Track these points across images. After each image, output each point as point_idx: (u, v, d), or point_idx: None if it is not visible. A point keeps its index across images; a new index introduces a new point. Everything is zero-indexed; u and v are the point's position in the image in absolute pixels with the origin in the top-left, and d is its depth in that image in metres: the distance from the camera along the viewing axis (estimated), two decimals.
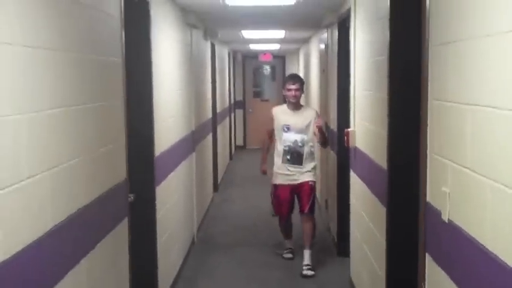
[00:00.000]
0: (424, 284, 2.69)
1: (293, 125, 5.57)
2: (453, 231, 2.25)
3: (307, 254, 5.55)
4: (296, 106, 5.66)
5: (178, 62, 5.56)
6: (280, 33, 9.32)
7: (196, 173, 6.69)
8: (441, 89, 2.42)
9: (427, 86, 2.60)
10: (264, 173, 5.96)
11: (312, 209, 5.60)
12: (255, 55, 14.46)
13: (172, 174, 5.06)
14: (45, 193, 2.22)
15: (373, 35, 3.97)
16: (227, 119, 12.03)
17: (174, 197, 5.22)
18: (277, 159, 5.65)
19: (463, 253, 2.13)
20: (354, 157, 4.80)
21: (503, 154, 1.76)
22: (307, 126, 5.58)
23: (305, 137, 5.56)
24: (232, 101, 13.50)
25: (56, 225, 2.29)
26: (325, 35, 7.18)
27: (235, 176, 11.04)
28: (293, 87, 5.59)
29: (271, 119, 5.74)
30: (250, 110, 15.07)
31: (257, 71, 15.35)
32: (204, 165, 7.58)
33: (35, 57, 2.14)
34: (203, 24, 7.17)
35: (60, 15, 2.40)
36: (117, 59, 3.28)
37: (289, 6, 5.79)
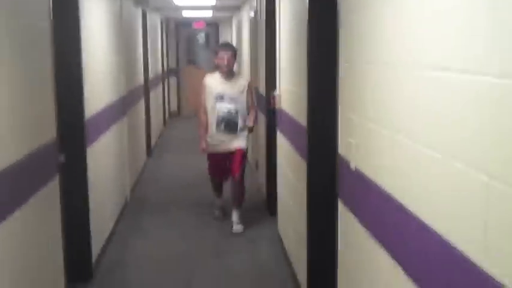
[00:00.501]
0: (337, 227, 2.96)
1: (227, 94, 5.53)
2: (359, 178, 2.50)
3: (235, 212, 5.74)
4: (229, 74, 5.59)
5: (107, 28, 5.62)
6: (211, 0, 9.41)
7: (129, 137, 6.79)
8: (348, 52, 2.65)
9: (338, 49, 2.82)
10: (204, 151, 5.77)
11: (241, 175, 5.70)
12: (188, 22, 14.46)
13: (103, 136, 5.17)
14: None
15: (295, 2, 4.17)
16: (160, 86, 12.08)
17: (105, 158, 5.33)
18: (211, 129, 5.60)
19: (367, 197, 2.39)
20: (280, 118, 5.04)
21: (397, 105, 2.00)
22: (241, 94, 5.56)
23: (239, 105, 5.54)
24: (165, 68, 13.51)
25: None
26: (254, 2, 7.34)
27: (169, 142, 11.16)
28: (225, 55, 5.52)
29: (203, 89, 5.66)
30: (184, 77, 15.11)
31: (191, 39, 15.36)
32: (136, 130, 7.67)
33: None
34: None
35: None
36: (44, 23, 3.36)
37: None
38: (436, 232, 1.63)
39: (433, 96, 1.66)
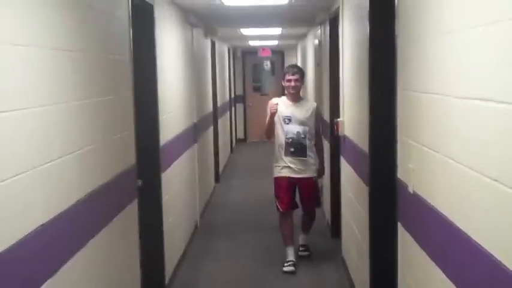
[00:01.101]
0: (397, 249, 3.10)
1: (295, 116, 5.39)
2: (416, 200, 2.65)
3: (302, 236, 5.80)
4: (296, 97, 5.50)
5: (180, 58, 5.97)
6: (277, 30, 9.72)
7: (199, 163, 7.10)
8: (406, 81, 2.83)
9: (397, 78, 3.00)
10: (272, 108, 5.43)
11: (314, 207, 5.71)
12: (254, 51, 14.85)
13: (176, 162, 5.47)
14: (71, 172, 2.62)
15: (357, 32, 4.37)
16: (228, 112, 12.44)
17: (178, 184, 5.63)
18: (279, 153, 5.46)
19: (423, 217, 2.54)
20: (343, 144, 5.21)
21: (451, 133, 2.16)
22: (309, 118, 5.44)
23: (307, 128, 5.40)
24: (232, 95, 13.90)
25: (79, 200, 2.70)
26: (318, 31, 7.58)
27: (236, 168, 11.46)
28: (293, 77, 5.43)
29: (271, 112, 5.44)
30: (250, 104, 15.47)
31: (257, 66, 15.74)
32: (205, 156, 7.99)
33: (59, 58, 2.54)
34: (203, 22, 7.57)
35: (78, 21, 2.80)
36: (125, 57, 3.68)
37: (283, 6, 6.19)
38: (489, 253, 1.76)
39: (474, 122, 1.83)
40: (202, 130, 7.70)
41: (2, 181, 1.94)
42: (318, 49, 7.87)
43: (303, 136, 5.40)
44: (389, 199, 3.34)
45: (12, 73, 2.06)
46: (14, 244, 2.01)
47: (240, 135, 15.40)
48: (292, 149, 5.40)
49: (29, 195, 2.17)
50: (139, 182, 3.98)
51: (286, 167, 5.44)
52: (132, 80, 3.77)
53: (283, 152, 5.43)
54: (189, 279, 5.31)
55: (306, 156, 5.41)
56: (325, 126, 6.74)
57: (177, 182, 5.62)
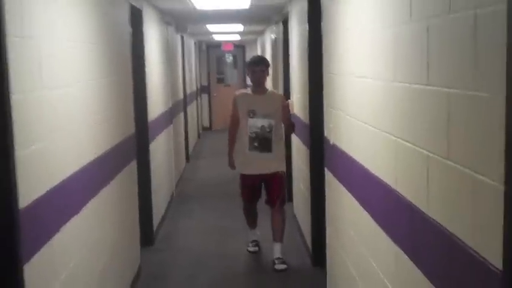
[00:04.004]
0: (324, 187, 4.42)
1: (259, 109, 5.18)
2: (334, 148, 3.96)
3: (277, 246, 5.32)
4: (261, 90, 5.30)
5: (159, 51, 7.19)
6: (239, 27, 10.99)
7: (174, 141, 8.34)
8: (326, 66, 4.15)
9: (323, 64, 4.32)
10: (233, 167, 5.49)
11: (282, 203, 5.36)
12: (218, 44, 16.09)
13: (158, 137, 6.72)
14: (97, 132, 3.84)
15: (300, 30, 5.68)
16: (194, 102, 13.66)
17: (159, 156, 6.86)
18: (243, 147, 5.26)
19: (339, 161, 3.84)
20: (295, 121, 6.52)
21: (352, 101, 3.45)
22: (275, 110, 5.20)
23: (272, 121, 5.16)
24: (198, 85, 15.11)
25: (100, 155, 3.89)
26: (274, 28, 8.89)
27: (203, 151, 12.75)
28: (257, 68, 5.25)
29: (234, 106, 5.31)
30: (215, 94, 16.72)
31: (220, 59, 16.99)
32: (178, 138, 9.22)
33: (89, 49, 3.75)
34: (175, 21, 8.79)
35: (98, 24, 4.02)
36: (127, 49, 4.92)
37: (245, 9, 7.47)
38: (375, 175, 3.05)
39: (358, 91, 3.15)
40: (176, 114, 8.93)
41: (52, 132, 3.13)
42: (274, 44, 9.18)
43: (268, 130, 5.18)
44: (320, 153, 4.65)
45: (62, 59, 3.25)
46: (60, 182, 3.10)
47: (206, 123, 16.64)
48: (256, 144, 5.19)
49: (69, 147, 3.30)
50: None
51: (251, 163, 5.27)
52: (131, 67, 5.01)
53: (247, 147, 5.23)
54: (170, 231, 6.57)
55: (271, 151, 5.19)
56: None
57: (159, 154, 6.85)
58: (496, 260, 1.53)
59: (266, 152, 5.20)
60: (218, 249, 5.93)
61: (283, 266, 5.21)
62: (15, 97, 2.34)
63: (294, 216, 6.68)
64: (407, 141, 2.28)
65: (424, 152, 2.07)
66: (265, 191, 5.41)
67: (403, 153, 2.33)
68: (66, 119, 3.10)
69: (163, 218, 6.89)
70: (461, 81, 1.75)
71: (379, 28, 2.68)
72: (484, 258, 1.60)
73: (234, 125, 5.34)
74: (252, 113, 5.20)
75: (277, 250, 5.31)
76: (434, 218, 1.98)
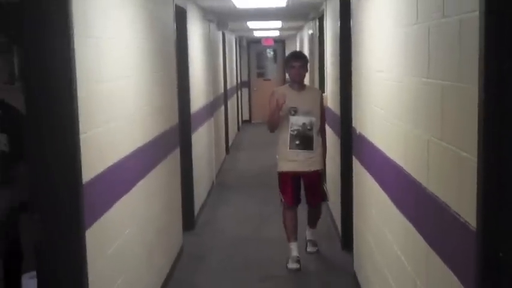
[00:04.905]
0: (353, 174, 4.77)
1: (300, 106, 5.07)
2: (361, 138, 4.30)
3: (309, 231, 5.60)
4: (300, 86, 5.19)
5: (201, 48, 7.62)
6: (278, 24, 11.37)
7: (215, 133, 8.78)
8: (355, 62, 4.49)
9: (351, 59, 4.67)
10: (282, 103, 4.93)
11: (320, 202, 5.43)
12: (258, 40, 16.50)
13: (200, 128, 7.15)
14: (147, 120, 4.27)
15: (333, 27, 6.03)
16: (235, 96, 14.09)
17: (201, 146, 7.30)
18: (284, 146, 5.15)
19: (364, 148, 4.19)
20: (327, 112, 6.87)
21: (374, 94, 3.79)
22: (315, 107, 5.13)
23: (313, 119, 5.09)
24: (239, 80, 15.55)
25: (150, 140, 4.33)
26: (311, 25, 9.24)
27: (243, 143, 13.19)
28: (297, 64, 5.12)
29: (272, 103, 5.05)
30: (255, 89, 17.14)
31: (260, 54, 17.40)
32: (218, 130, 9.65)
33: (140, 46, 4.17)
34: (217, 18, 9.22)
35: (148, 24, 4.44)
36: (172, 47, 5.35)
37: (282, 7, 7.84)
38: (391, 159, 3.38)
39: (377, 84, 3.49)
40: (216, 108, 9.36)
41: (108, 120, 3.57)
42: (312, 39, 9.53)
43: (309, 128, 5.09)
44: (349, 142, 4.99)
45: (117, 57, 3.68)
46: (114, 163, 3.55)
47: (246, 116, 17.07)
48: (297, 142, 5.11)
49: (122, 132, 3.73)
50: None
51: (291, 161, 5.17)
52: (175, 62, 5.44)
53: (288, 145, 5.14)
54: (209, 218, 7.00)
55: (312, 149, 5.12)
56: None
57: (201, 144, 7.29)
58: (473, 221, 1.87)
59: (308, 150, 5.11)
60: (254, 235, 6.32)
61: (314, 249, 5.56)
62: (80, 89, 2.76)
63: (327, 203, 7.03)
64: (412, 126, 2.63)
65: (425, 135, 2.42)
66: (304, 191, 5.34)
67: (410, 137, 2.68)
68: (120, 108, 3.53)
69: (203, 205, 7.32)
70: (451, 74, 2.09)
71: (393, 27, 3.02)
72: (465, 220, 1.95)
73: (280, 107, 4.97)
74: (294, 111, 5.07)
75: (309, 233, 5.62)
76: (432, 190, 2.32)
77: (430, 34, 2.33)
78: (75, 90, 2.71)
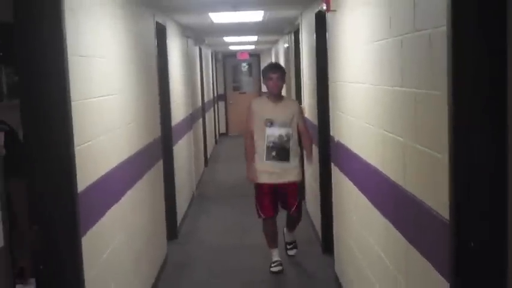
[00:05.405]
0: (331, 181, 4.96)
1: (276, 118, 5.11)
2: (339, 145, 4.50)
3: (288, 234, 5.64)
4: (278, 97, 5.22)
5: (180, 63, 7.79)
6: (254, 38, 11.58)
7: (194, 146, 8.92)
8: (331, 75, 4.70)
9: (328, 74, 4.88)
10: (253, 180, 5.30)
11: (299, 210, 5.40)
12: (234, 54, 16.71)
13: (180, 141, 7.30)
14: (132, 133, 4.42)
15: (309, 41, 6.24)
16: (212, 109, 14.26)
17: (182, 158, 7.44)
18: (260, 157, 5.18)
19: (343, 155, 4.38)
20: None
21: (351, 104, 4.00)
22: (292, 118, 5.15)
23: (290, 130, 5.13)
24: (215, 94, 15.73)
25: (135, 152, 4.48)
26: (287, 38, 9.47)
27: (220, 156, 13.35)
28: (274, 75, 5.16)
29: (250, 115, 5.22)
30: (231, 102, 17.33)
31: (236, 67, 17.62)
32: (197, 143, 9.80)
33: (125, 64, 4.34)
34: (194, 34, 9.40)
35: (132, 42, 4.60)
36: (153, 63, 5.51)
37: (258, 22, 8.05)
38: (370, 164, 3.59)
39: (354, 94, 3.70)
40: (195, 120, 9.52)
41: (98, 137, 3.71)
42: (287, 53, 9.75)
43: (285, 139, 5.13)
44: (327, 151, 5.19)
45: (105, 73, 3.84)
46: (105, 174, 3.76)
47: (222, 129, 17.24)
48: (274, 153, 5.14)
49: (111, 145, 3.89)
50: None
51: (268, 173, 5.19)
52: (157, 78, 5.60)
53: (264, 157, 5.16)
54: (191, 227, 7.14)
55: (288, 161, 5.16)
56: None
57: (181, 156, 7.43)
58: (446, 214, 2.07)
59: (284, 162, 5.14)
60: (235, 243, 6.47)
61: (294, 251, 5.68)
62: (73, 105, 2.91)
63: (307, 211, 7.22)
64: (389, 131, 2.82)
65: (401, 139, 2.61)
66: (280, 201, 5.38)
67: (387, 142, 2.88)
68: (109, 122, 3.69)
69: (185, 216, 7.45)
70: (423, 83, 2.30)
71: (368, 40, 3.23)
72: (439, 214, 2.14)
73: (251, 135, 5.23)
74: (270, 122, 5.10)
75: (288, 236, 5.65)
76: (409, 190, 2.52)
77: (403, 47, 2.54)
78: (70, 107, 2.85)
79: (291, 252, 5.69)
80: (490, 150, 1.95)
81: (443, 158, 2.07)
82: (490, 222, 1.97)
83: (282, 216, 5.69)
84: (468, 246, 1.98)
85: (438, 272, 2.18)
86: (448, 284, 2.06)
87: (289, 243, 5.70)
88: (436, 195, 2.19)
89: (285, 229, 5.64)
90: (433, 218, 2.19)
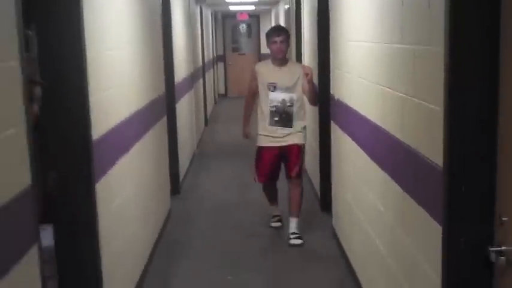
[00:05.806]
0: (331, 139, 5.13)
1: (280, 82, 5.00)
2: (339, 103, 4.65)
3: (294, 222, 5.22)
4: (282, 61, 5.07)
5: (182, 21, 7.88)
6: None
7: (195, 104, 9.07)
8: (332, 32, 4.82)
9: (330, 31, 5.00)
10: (247, 137, 5.46)
11: (299, 174, 5.18)
12: (233, 14, 16.72)
13: (182, 99, 7.44)
14: (142, 88, 4.55)
15: (311, 2, 6.35)
16: (211, 70, 14.35)
17: (184, 116, 7.59)
18: (263, 122, 5.11)
19: (342, 112, 4.54)
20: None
21: (352, 62, 4.13)
22: (296, 83, 5.01)
23: (293, 95, 5.01)
24: (214, 54, 15.79)
25: (143, 105, 4.62)
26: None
27: (220, 116, 13.50)
28: (278, 39, 5.00)
29: (253, 77, 5.16)
30: (230, 63, 17.39)
31: (235, 28, 17.63)
32: (198, 102, 9.94)
33: (134, 18, 4.45)
34: None
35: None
36: (159, 19, 5.61)
37: None
38: (370, 119, 3.74)
39: (355, 52, 3.84)
40: (196, 80, 9.64)
41: (110, 89, 3.85)
42: (288, 14, 9.82)
43: (288, 104, 5.02)
44: (327, 109, 5.34)
45: (117, 25, 3.96)
46: (116, 124, 3.91)
47: (221, 90, 17.34)
48: (276, 118, 5.05)
49: (121, 97, 4.01)
50: None
51: (270, 137, 5.11)
52: (162, 37, 5.72)
53: (267, 121, 5.08)
54: (193, 183, 7.34)
55: (291, 127, 5.05)
56: None
57: (184, 115, 7.58)
58: (440, 161, 2.23)
59: (286, 127, 5.04)
60: (237, 198, 6.68)
61: (298, 241, 5.09)
62: (89, 56, 3.05)
63: (306, 172, 7.40)
64: (388, 87, 2.98)
65: (400, 94, 2.77)
66: (283, 164, 5.24)
67: (386, 97, 3.04)
68: (119, 75, 3.83)
69: (186, 173, 7.64)
70: (421, 39, 2.44)
71: (369, 0, 3.36)
72: (434, 162, 2.31)
73: (251, 96, 5.22)
74: (273, 87, 5.01)
75: (293, 226, 5.20)
76: (406, 142, 2.69)
77: (404, 5, 2.68)
78: (85, 58, 2.99)
79: (294, 242, 5.10)
80: (483, 102, 2.10)
81: (438, 109, 2.23)
82: (480, 168, 2.14)
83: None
84: (460, 190, 2.15)
85: (433, 218, 2.35)
86: (441, 228, 2.24)
87: (294, 233, 5.16)
88: (431, 144, 2.35)
89: (290, 219, 5.27)
90: (429, 166, 2.36)
